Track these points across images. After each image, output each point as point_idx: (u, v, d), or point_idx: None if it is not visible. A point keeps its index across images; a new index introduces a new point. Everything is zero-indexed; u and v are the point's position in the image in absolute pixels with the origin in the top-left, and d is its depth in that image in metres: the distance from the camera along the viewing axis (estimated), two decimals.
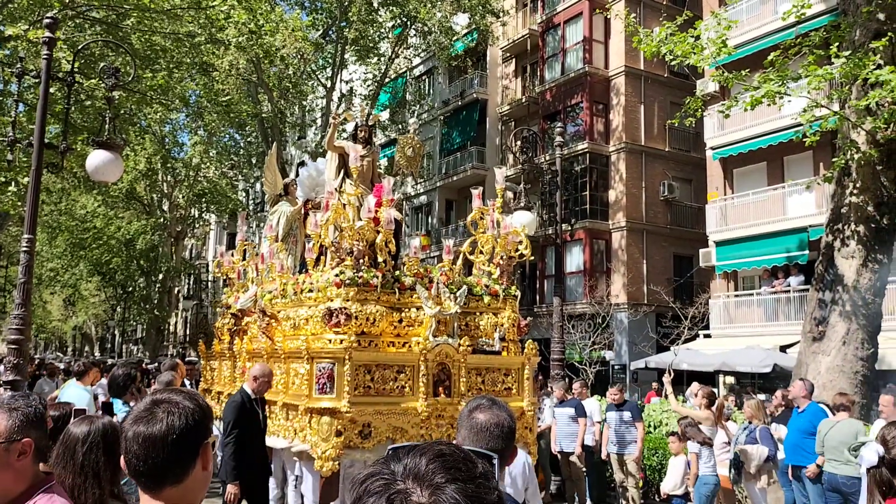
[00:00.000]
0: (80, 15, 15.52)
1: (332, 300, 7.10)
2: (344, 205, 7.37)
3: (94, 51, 15.32)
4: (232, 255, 11.14)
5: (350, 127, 9.23)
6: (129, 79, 11.16)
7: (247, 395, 6.55)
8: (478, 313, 7.85)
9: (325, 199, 7.63)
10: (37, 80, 9.77)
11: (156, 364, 18.98)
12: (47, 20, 8.46)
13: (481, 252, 8.38)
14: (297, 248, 9.92)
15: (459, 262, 8.18)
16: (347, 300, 7.01)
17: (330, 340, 6.89)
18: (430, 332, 7.18)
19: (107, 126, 9.17)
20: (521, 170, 13.39)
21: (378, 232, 7.28)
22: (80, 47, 10.24)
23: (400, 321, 7.35)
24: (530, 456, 7.86)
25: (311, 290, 7.69)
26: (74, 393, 6.43)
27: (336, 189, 7.98)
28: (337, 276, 7.10)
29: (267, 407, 7.08)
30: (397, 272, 7.62)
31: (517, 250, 8.19)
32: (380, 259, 7.35)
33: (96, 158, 8.67)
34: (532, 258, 9.09)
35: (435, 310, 7.21)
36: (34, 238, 8.38)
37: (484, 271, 8.28)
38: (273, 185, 10.79)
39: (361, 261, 7.17)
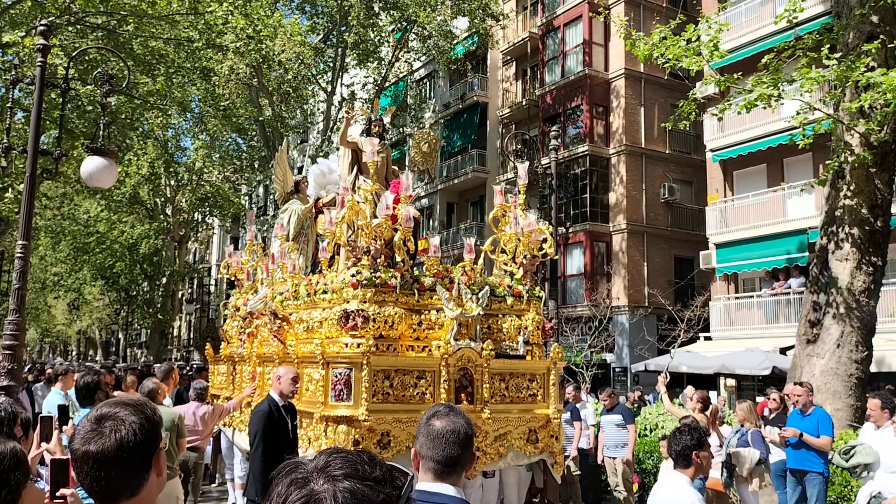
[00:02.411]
0: (80, 21, 15.61)
1: (348, 301, 6.70)
2: (359, 202, 7.01)
3: (94, 56, 15.41)
4: (240, 255, 10.82)
5: (355, 129, 8.97)
6: (124, 84, 11.20)
7: (274, 403, 6.02)
8: (500, 315, 7.36)
9: (340, 195, 7.20)
10: (33, 87, 9.83)
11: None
12: (41, 27, 8.52)
13: (503, 251, 7.92)
14: (309, 248, 9.60)
15: (481, 261, 7.73)
16: (364, 302, 6.59)
17: (346, 344, 6.51)
18: (452, 336, 6.76)
19: (101, 132, 9.22)
20: None
21: (396, 230, 6.82)
22: (74, 53, 10.30)
23: (419, 324, 6.93)
24: (557, 466, 7.32)
25: (325, 292, 7.26)
26: (53, 399, 6.44)
27: (349, 186, 7.58)
28: (353, 276, 6.70)
29: (299, 417, 6.56)
30: (416, 272, 7.24)
31: (541, 249, 7.73)
32: (398, 258, 6.89)
33: (90, 164, 8.72)
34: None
35: (456, 312, 6.77)
36: (29, 244, 8.44)
37: (506, 271, 7.81)
38: (283, 182, 10.34)
39: (378, 260, 6.78)
